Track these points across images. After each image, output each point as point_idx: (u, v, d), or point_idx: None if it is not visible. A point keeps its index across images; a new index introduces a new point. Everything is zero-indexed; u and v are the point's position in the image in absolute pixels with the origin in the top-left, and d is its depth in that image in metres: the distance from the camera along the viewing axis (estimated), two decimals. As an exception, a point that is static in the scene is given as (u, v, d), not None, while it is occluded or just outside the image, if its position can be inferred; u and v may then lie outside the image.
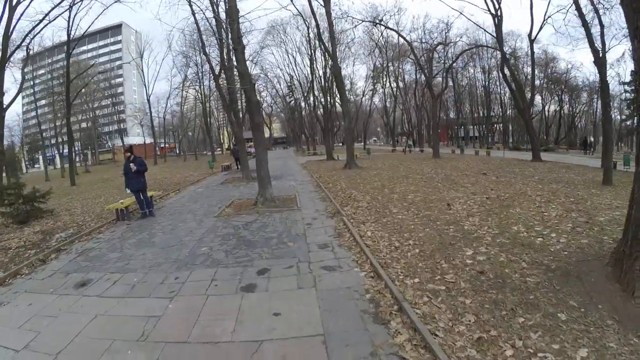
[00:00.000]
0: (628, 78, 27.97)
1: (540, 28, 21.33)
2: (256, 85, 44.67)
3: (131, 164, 9.02)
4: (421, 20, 74.03)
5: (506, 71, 23.28)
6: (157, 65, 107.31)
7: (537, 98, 49.88)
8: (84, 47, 75.81)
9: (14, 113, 44.45)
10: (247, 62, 35.75)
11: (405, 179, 12.99)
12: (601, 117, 18.89)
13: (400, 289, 3.83)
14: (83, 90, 40.92)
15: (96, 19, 23.24)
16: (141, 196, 9.20)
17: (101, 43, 79.78)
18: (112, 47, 79.04)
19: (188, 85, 44.73)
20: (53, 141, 50.36)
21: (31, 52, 22.35)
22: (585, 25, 12.22)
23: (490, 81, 49.87)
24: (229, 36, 8.63)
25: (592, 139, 37.39)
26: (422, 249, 5.07)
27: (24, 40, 18.66)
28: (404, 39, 25.58)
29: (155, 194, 13.23)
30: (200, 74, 38.04)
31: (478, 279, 4.01)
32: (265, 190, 8.67)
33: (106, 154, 64.50)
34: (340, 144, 70.60)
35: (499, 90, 50.62)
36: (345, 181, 12.95)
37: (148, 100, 44.99)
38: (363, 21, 24.17)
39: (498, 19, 21.39)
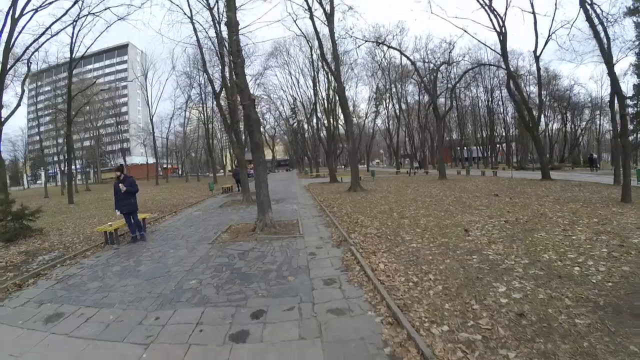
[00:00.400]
0: (630, 92, 27.63)
1: (546, 44, 21.19)
2: (259, 107, 44.70)
3: (120, 184, 8.39)
4: (423, 41, 75.04)
5: (512, 88, 22.93)
6: (160, 85, 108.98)
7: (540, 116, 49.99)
8: (90, 66, 77.58)
9: (18, 128, 44.56)
10: (250, 83, 35.59)
11: (414, 202, 12.29)
12: (613, 131, 18.50)
13: (427, 341, 3.09)
14: (87, 108, 41.06)
15: (99, 36, 23.48)
16: (132, 219, 8.53)
17: (107, 62, 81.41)
18: (118, 67, 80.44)
19: (191, 106, 44.94)
20: (56, 158, 50.23)
21: (33, 67, 22.35)
22: (597, 35, 11.77)
23: (493, 101, 50.11)
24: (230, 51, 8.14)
25: (595, 156, 36.93)
26: (446, 286, 4.32)
27: (24, 53, 18.55)
28: (408, 58, 25.49)
29: (151, 217, 12.67)
30: (203, 95, 38.16)
31: (519, 324, 3.32)
32: (265, 214, 7.96)
33: (108, 173, 64.29)
34: (343, 167, 70.37)
35: (501, 110, 51.00)
36: (351, 205, 12.24)
37: (151, 120, 45.07)
38: (366, 41, 24.09)
39: (502, 36, 21.32)
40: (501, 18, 21.13)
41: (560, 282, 4.20)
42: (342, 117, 52.71)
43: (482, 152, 55.88)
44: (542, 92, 45.73)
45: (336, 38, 17.31)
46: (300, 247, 6.65)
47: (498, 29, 21.32)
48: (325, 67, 31.24)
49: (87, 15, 20.26)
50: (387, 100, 45.81)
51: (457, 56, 27.95)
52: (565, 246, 5.64)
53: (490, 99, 50.04)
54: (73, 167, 54.55)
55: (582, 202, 10.26)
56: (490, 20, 21.52)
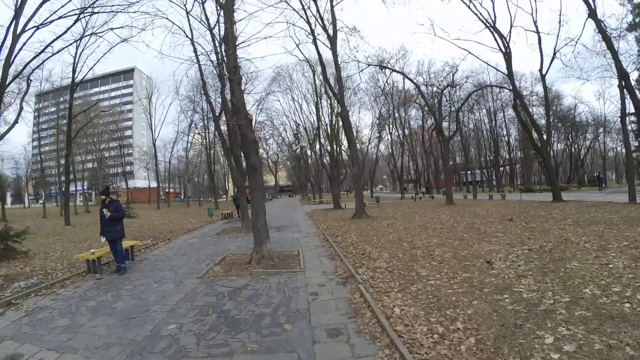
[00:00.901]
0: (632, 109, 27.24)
1: (551, 62, 20.80)
2: (262, 133, 44.49)
3: (104, 210, 7.68)
4: (426, 65, 75.88)
5: (519, 109, 22.51)
6: (164, 109, 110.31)
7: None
8: (97, 89, 78.84)
9: (21, 146, 44.27)
10: (253, 108, 35.61)
11: (424, 229, 11.43)
12: (625, 148, 17.85)
13: None
14: (90, 130, 41.01)
15: (102, 57, 23.76)
16: (116, 247, 7.77)
17: (114, 86, 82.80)
18: (124, 91, 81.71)
19: (197, 132, 44.84)
20: (57, 178, 50.12)
21: (37, 86, 22.38)
22: (611, 47, 11.26)
23: (496, 123, 50.13)
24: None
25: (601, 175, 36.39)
26: (480, 337, 3.47)
27: (23, 69, 18.45)
28: (411, 81, 25.27)
29: (143, 244, 11.93)
30: (205, 120, 38.03)
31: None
32: (262, 245, 7.15)
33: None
34: (346, 192, 69.61)
35: (504, 132, 50.94)
36: (356, 233, 11.39)
37: (154, 143, 45.00)
38: (369, 65, 23.87)
39: (508, 56, 21.17)
40: (505, 39, 21.00)
41: (613, 325, 3.43)
42: (345, 142, 52.94)
43: (487, 176, 55.44)
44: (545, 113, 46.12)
45: (339, 62, 17.04)
46: (300, 285, 5.78)
47: (503, 49, 21.17)
48: (328, 91, 31.18)
49: (89, 35, 20.38)
50: (391, 126, 45.63)
51: (460, 79, 27.75)
52: (605, 277, 4.91)
53: (494, 122, 50.01)
54: (75, 188, 54.72)
55: (605, 224, 9.64)
56: (495, 40, 21.37)
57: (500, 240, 8.46)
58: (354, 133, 54.97)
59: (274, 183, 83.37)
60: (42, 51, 18.95)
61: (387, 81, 37.55)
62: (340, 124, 40.59)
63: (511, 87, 22.87)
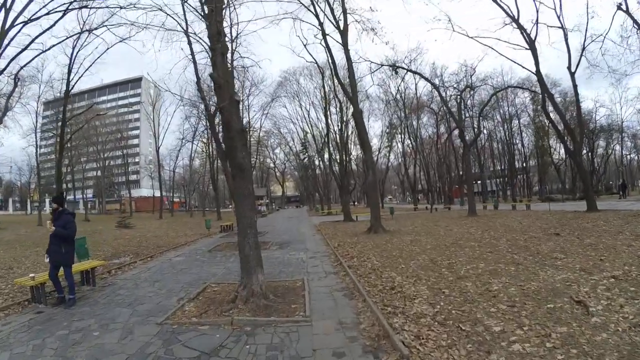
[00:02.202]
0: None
1: (580, 57, 18.86)
2: (268, 142, 42.86)
3: (48, 222, 5.80)
4: (439, 70, 74.01)
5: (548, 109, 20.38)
6: (168, 117, 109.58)
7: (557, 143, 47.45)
8: (104, 97, 78.66)
9: (24, 153, 43.09)
10: (258, 115, 33.95)
11: (459, 248, 9.29)
12: None
13: None
14: (95, 138, 39.80)
15: (98, 57, 22.50)
16: (62, 273, 5.88)
17: (121, 94, 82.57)
18: (132, 100, 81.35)
19: (201, 140, 43.29)
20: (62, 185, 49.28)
21: (32, 88, 21.15)
22: None
23: (512, 130, 48.37)
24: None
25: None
26: None
27: (8, 65, 17.08)
28: (428, 80, 23.30)
29: (120, 261, 10.27)
30: (209, 130, 36.39)
31: None
32: (252, 277, 5.04)
33: (113, 204, 62.50)
34: (355, 203, 67.29)
35: (519, 139, 49.22)
36: (376, 253, 9.23)
37: (157, 151, 43.68)
38: (382, 65, 21.87)
39: (534, 52, 19.22)
40: (527, 34, 19.05)
41: None
42: (354, 151, 51.02)
43: (502, 185, 53.45)
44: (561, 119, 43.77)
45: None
46: (304, 351, 3.60)
47: (528, 45, 19.20)
48: (338, 94, 29.37)
49: (84, 32, 19.04)
50: (403, 133, 43.62)
51: (477, 81, 25.69)
52: None
53: (510, 128, 47.85)
54: (74, 196, 53.62)
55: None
56: (523, 34, 19.39)
57: (568, 264, 6.53)
58: (365, 141, 53.38)
59: (281, 193, 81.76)
60: (27, 46, 17.59)
61: (399, 86, 35.58)
62: (350, 131, 39.09)
63: (530, 88, 21.25)
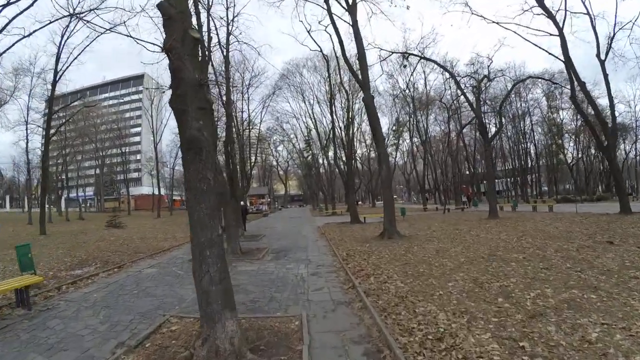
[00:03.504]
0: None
1: (610, 44, 17.19)
2: (271, 139, 40.89)
3: None
4: (449, 62, 71.99)
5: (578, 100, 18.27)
6: (167, 112, 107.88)
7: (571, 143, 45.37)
8: (106, 94, 77.26)
9: (22, 150, 41.73)
10: (259, 108, 31.88)
11: (502, 262, 7.30)
12: None
13: None
14: (95, 135, 38.18)
15: (88, 45, 21.47)
16: None
17: (124, 91, 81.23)
18: (134, 97, 79.95)
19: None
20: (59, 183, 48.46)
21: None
22: None
23: (524, 128, 46.36)
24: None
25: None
26: None
27: None
28: (444, 68, 21.19)
29: (83, 272, 8.55)
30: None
31: None
32: (214, 327, 2.97)
33: (112, 202, 60.84)
34: (360, 203, 65.14)
35: (532, 136, 47.16)
36: (398, 269, 7.16)
37: (155, 148, 42.04)
38: (392, 52, 19.82)
39: (563, 39, 17.36)
40: (555, 19, 17.10)
41: None
42: (359, 149, 48.96)
43: (514, 185, 51.81)
44: (576, 117, 41.73)
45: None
46: None
47: (557, 31, 17.28)
48: (342, 85, 27.36)
49: (68, 16, 17.36)
50: (412, 129, 41.46)
51: (493, 73, 23.52)
52: None
53: (522, 125, 45.72)
54: (81, 194, 52.13)
55: None
56: (550, 18, 17.48)
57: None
58: (369, 140, 51.34)
59: (284, 192, 79.85)
60: (3, 29, 16.03)
61: (410, 76, 33.37)
62: (355, 128, 37.12)
63: (551, 79, 19.36)
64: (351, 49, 15.23)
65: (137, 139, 77.24)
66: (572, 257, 7.43)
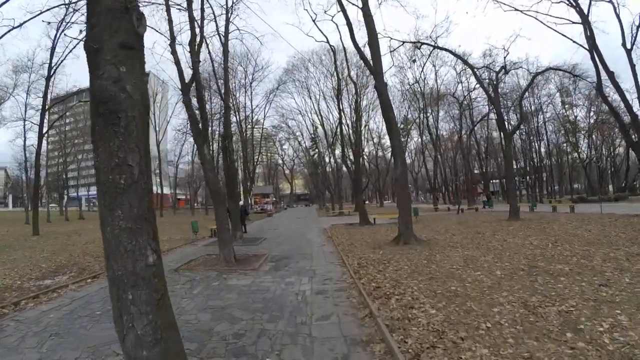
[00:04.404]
0: None
1: (637, 31, 15.99)
2: (277, 137, 40.02)
3: None
4: (463, 50, 70.30)
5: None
6: (171, 109, 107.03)
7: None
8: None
9: (19, 148, 41.32)
10: (263, 102, 31.14)
11: (548, 276, 6.00)
12: None
13: None
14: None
15: (81, 40, 20.07)
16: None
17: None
18: None
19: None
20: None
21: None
22: None
23: (537, 124, 45.08)
24: None
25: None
26: None
27: None
28: (460, 57, 19.70)
29: (53, 282, 7.42)
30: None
31: None
32: None
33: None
34: (367, 202, 63.72)
35: (545, 133, 45.77)
36: (424, 286, 5.73)
37: (158, 145, 41.11)
38: (404, 42, 18.36)
39: (589, 26, 16.17)
40: (578, 5, 15.79)
41: None
42: (366, 147, 47.55)
43: (526, 184, 50.48)
44: (590, 113, 40.08)
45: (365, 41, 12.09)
46: None
47: (579, 19, 16.39)
48: (350, 77, 26.02)
49: (62, 5, 16.74)
50: (420, 127, 39.94)
51: (510, 65, 22.01)
52: None
53: (536, 123, 44.55)
54: (86, 193, 51.51)
55: None
56: (573, 4, 16.29)
57: None
58: (376, 139, 49.92)
59: (290, 191, 78.85)
60: None
61: (423, 68, 31.86)
62: (363, 124, 35.71)
63: (571, 72, 18.07)
64: (360, 38, 13.93)
65: (142, 137, 76.87)
66: (626, 268, 6.19)
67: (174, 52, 9.69)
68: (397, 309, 4.57)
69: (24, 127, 31.06)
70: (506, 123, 27.41)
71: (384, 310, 4.55)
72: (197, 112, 9.02)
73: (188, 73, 10.33)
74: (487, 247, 9.45)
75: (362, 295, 5.21)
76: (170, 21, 9.93)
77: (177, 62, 9.56)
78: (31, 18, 17.01)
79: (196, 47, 9.59)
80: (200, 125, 8.63)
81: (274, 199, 57.11)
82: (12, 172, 59.56)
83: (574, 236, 10.60)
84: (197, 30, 10.06)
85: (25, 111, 30.50)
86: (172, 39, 9.81)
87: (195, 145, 43.33)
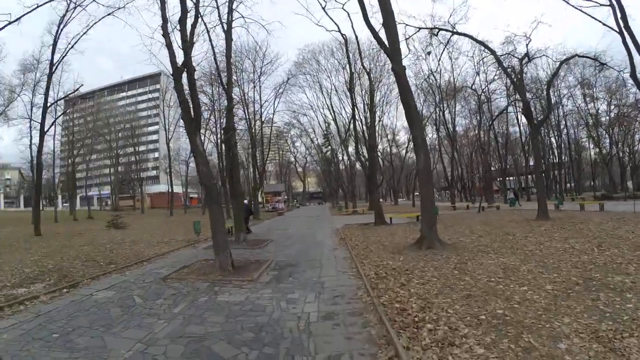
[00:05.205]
0: None
1: None
2: (289, 135, 39.28)
3: None
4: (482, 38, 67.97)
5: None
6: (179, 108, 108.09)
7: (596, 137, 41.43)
8: (123, 94, 77.29)
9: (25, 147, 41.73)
10: (272, 96, 30.46)
11: (612, 292, 4.75)
12: None
13: None
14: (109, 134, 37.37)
15: (86, 31, 19.75)
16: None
17: (140, 90, 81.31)
18: (151, 95, 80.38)
19: (213, 132, 39.79)
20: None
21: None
22: None
23: (558, 118, 42.67)
24: None
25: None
26: None
27: None
28: (482, 43, 18.18)
29: (26, 291, 6.50)
30: (215, 114, 32.54)
31: None
32: None
33: (126, 200, 60.22)
34: (381, 200, 62.21)
35: (565, 126, 43.73)
36: (458, 307, 4.43)
37: (167, 144, 40.65)
38: (420, 28, 17.06)
39: (620, 8, 14.93)
40: None
41: None
42: (380, 145, 46.06)
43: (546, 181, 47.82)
44: (609, 107, 37.73)
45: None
46: None
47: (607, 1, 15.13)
48: (363, 66, 24.75)
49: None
50: (438, 121, 38.28)
51: (534, 53, 20.39)
52: None
53: (556, 117, 42.19)
54: (96, 192, 51.73)
55: None
56: None
57: None
58: (390, 136, 48.41)
59: (303, 189, 78.23)
60: None
61: (439, 61, 30.33)
62: (377, 120, 34.34)
63: (598, 59, 16.72)
64: (373, 23, 12.78)
65: (155, 137, 77.01)
66: None
67: (165, 35, 8.70)
68: (432, 346, 3.35)
69: (30, 126, 30.89)
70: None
71: (416, 347, 3.34)
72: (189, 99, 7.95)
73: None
74: (523, 252, 8.14)
75: (383, 321, 3.98)
76: (162, 1, 8.95)
77: (169, 45, 8.52)
78: (27, 12, 16.53)
79: (189, 26, 8.54)
80: (192, 112, 7.57)
81: (286, 197, 56.27)
82: (26, 173, 60.28)
83: (617, 238, 9.27)
84: (192, 7, 9.03)
85: (32, 110, 30.32)
86: (164, 20, 8.82)
87: (206, 144, 42.82)
